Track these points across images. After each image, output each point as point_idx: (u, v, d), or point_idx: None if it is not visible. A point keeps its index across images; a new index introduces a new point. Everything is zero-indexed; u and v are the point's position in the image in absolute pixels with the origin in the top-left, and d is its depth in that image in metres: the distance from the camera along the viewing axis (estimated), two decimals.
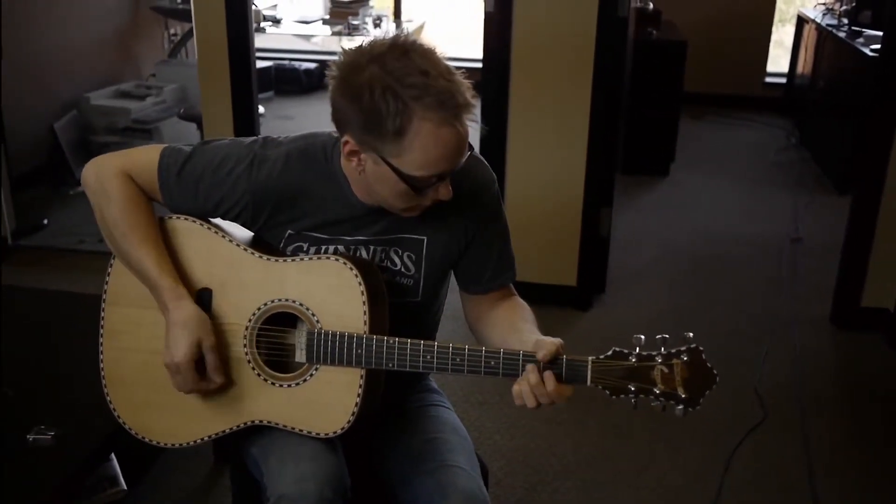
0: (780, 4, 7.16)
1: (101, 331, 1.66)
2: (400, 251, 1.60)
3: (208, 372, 1.53)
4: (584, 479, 2.64)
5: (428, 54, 1.39)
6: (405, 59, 1.37)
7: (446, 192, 1.47)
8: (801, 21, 6.68)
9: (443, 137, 1.38)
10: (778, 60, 7.32)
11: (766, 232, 4.58)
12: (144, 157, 1.60)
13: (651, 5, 5.54)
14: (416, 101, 1.36)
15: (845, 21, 5.62)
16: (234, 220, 1.60)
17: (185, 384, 1.53)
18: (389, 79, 1.36)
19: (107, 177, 1.59)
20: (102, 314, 1.65)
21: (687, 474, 2.67)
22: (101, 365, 1.66)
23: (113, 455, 2.30)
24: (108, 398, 1.66)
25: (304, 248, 1.59)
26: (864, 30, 5.36)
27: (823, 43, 5.90)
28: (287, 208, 1.57)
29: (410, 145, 1.39)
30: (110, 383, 1.66)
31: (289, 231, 1.59)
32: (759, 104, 6.95)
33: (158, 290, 1.54)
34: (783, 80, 7.06)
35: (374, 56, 1.38)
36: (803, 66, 6.49)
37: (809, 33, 6.31)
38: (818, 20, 5.99)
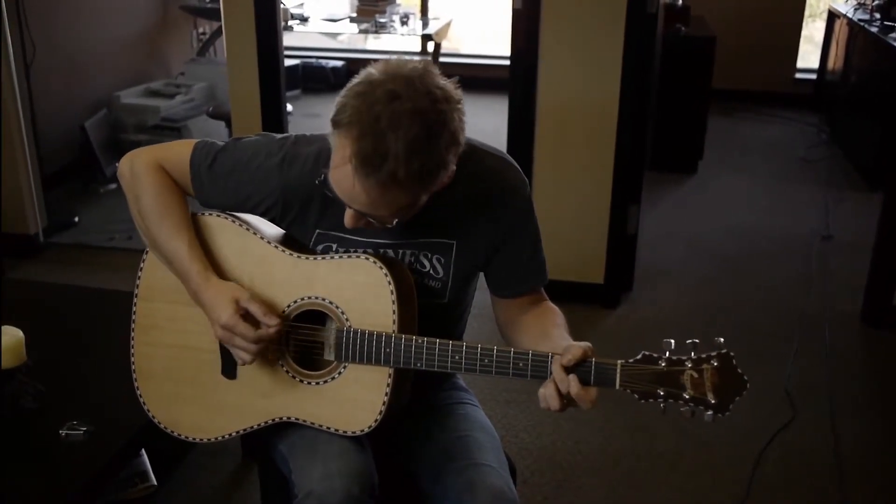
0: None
1: (133, 325, 1.67)
2: (429, 255, 1.59)
3: (260, 319, 1.51)
4: (611, 477, 2.63)
5: (403, 120, 1.31)
6: (386, 99, 1.32)
7: (346, 221, 1.45)
8: (832, 16, 6.60)
9: (343, 164, 1.35)
10: (808, 56, 7.24)
11: (795, 229, 4.54)
12: (178, 150, 1.62)
13: (680, 1, 5.50)
14: (354, 120, 1.33)
15: (877, 16, 5.56)
16: (262, 215, 1.61)
17: (246, 341, 1.50)
18: (365, 97, 1.33)
19: (141, 168, 1.61)
20: (134, 309, 1.67)
21: (715, 473, 2.65)
22: (132, 359, 1.68)
23: (143, 451, 2.32)
24: (139, 392, 1.67)
25: (334, 248, 1.59)
26: None
27: (855, 38, 5.82)
28: (316, 207, 1.57)
29: (333, 143, 1.38)
30: (141, 377, 1.67)
31: (318, 230, 1.59)
32: (789, 100, 6.88)
33: (188, 274, 1.55)
34: (813, 76, 6.98)
35: (389, 77, 1.35)
36: (834, 61, 6.42)
37: (840, 28, 6.24)
38: (850, 15, 5.92)
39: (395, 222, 1.44)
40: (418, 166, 1.34)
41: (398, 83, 1.34)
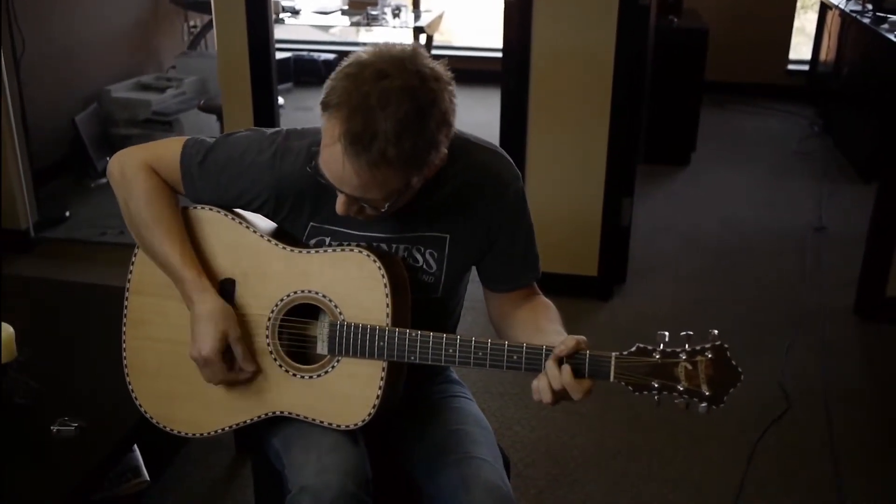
0: None
1: (125, 320, 1.66)
2: (422, 249, 1.59)
3: (238, 362, 1.54)
4: (605, 470, 2.63)
5: (392, 97, 1.31)
6: (374, 78, 1.32)
7: (337, 207, 1.44)
8: (824, 7, 6.61)
9: (333, 143, 1.34)
10: (800, 48, 7.25)
11: (789, 222, 4.54)
12: (168, 149, 1.61)
13: None
14: (346, 99, 1.32)
15: (870, 7, 5.56)
16: (256, 211, 1.60)
17: (215, 376, 1.55)
18: (354, 77, 1.33)
19: (131, 169, 1.59)
20: (126, 303, 1.66)
21: (710, 466, 2.65)
22: (124, 354, 1.67)
23: (136, 446, 2.31)
24: (131, 387, 1.66)
25: (327, 242, 1.58)
26: (889, 15, 5.29)
27: (847, 29, 5.83)
28: (309, 201, 1.56)
29: (323, 124, 1.37)
30: (133, 372, 1.66)
31: (311, 224, 1.58)
32: (782, 92, 6.89)
33: (182, 282, 1.55)
34: (806, 68, 7.00)
35: (380, 60, 1.35)
36: (826, 53, 6.43)
37: (833, 19, 6.25)
38: (842, 6, 5.92)
39: (386, 207, 1.43)
40: (409, 145, 1.33)
41: (387, 63, 1.33)
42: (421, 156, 1.36)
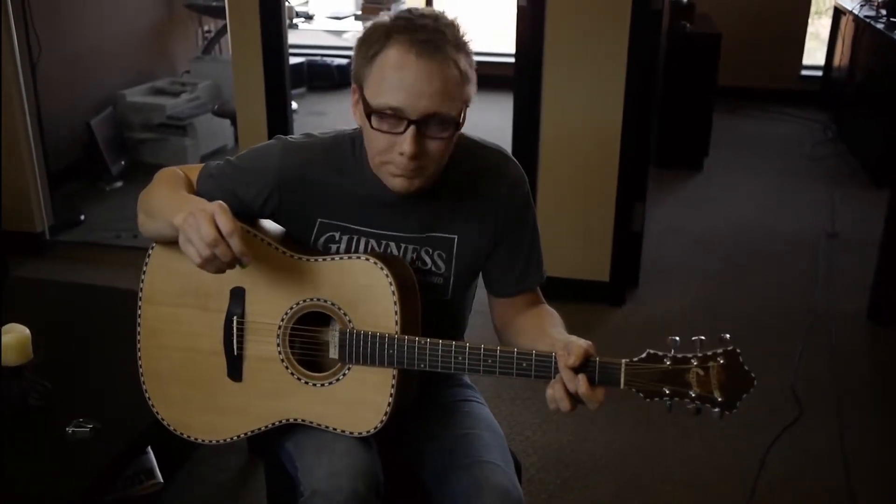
0: None
1: (139, 328, 1.67)
2: (431, 251, 1.60)
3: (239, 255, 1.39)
4: (617, 474, 2.63)
5: (441, 24, 1.44)
6: (409, 11, 1.45)
7: (407, 146, 1.41)
8: (838, 13, 6.59)
9: (403, 62, 1.39)
10: (814, 53, 7.22)
11: (801, 227, 4.53)
12: (193, 167, 1.67)
13: None
14: (395, 31, 1.41)
15: (884, 12, 5.55)
16: (262, 206, 1.60)
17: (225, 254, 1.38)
18: (386, 18, 1.45)
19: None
20: (139, 312, 1.67)
21: (722, 471, 2.65)
22: (140, 362, 1.67)
23: (150, 448, 2.32)
24: (147, 394, 1.67)
25: (336, 238, 1.59)
26: None
27: (861, 35, 5.81)
28: (316, 198, 1.57)
29: (377, 68, 1.42)
30: (149, 380, 1.67)
31: (320, 220, 1.60)
32: (795, 98, 6.86)
33: (182, 201, 1.49)
34: (819, 73, 6.97)
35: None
36: (840, 58, 6.41)
37: (846, 25, 6.23)
38: (856, 11, 5.91)
39: (447, 136, 1.44)
40: (465, 56, 1.45)
41: (416, 11, 1.46)
42: (470, 73, 1.46)
